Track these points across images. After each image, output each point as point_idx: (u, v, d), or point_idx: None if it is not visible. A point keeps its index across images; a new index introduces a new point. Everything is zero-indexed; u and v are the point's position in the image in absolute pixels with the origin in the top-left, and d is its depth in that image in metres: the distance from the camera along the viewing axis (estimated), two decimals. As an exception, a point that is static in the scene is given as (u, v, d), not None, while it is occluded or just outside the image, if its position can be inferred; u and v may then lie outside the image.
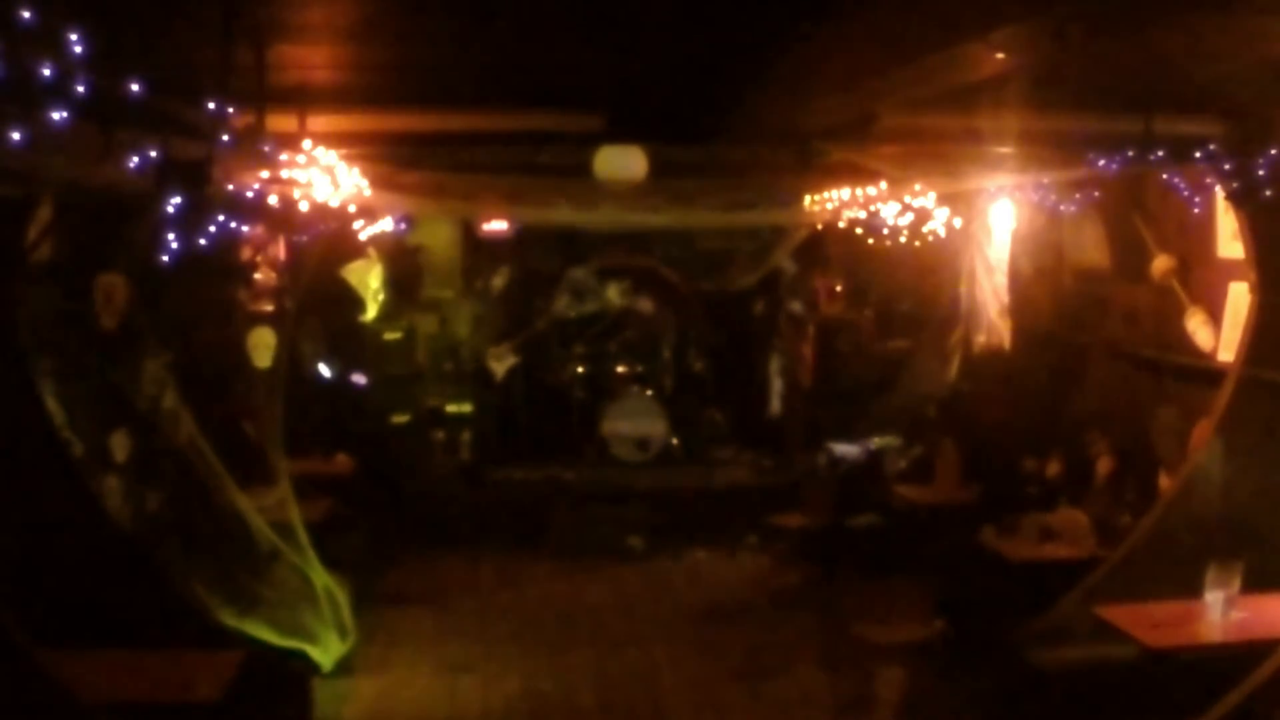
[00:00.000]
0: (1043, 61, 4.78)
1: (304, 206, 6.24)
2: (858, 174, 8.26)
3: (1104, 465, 7.64)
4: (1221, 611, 5.49)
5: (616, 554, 10.16)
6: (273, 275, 9.05)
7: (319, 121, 6.31)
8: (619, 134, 7.65)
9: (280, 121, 5.74)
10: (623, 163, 8.15)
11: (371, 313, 11.32)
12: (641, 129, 7.57)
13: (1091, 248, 8.90)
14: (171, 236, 4.52)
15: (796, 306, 11.82)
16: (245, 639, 6.02)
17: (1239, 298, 7.00)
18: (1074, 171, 7.00)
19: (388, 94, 6.38)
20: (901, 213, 8.62)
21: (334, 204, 6.57)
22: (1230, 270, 7.14)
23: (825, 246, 11.99)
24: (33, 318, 5.82)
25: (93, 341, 6.37)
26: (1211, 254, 7.39)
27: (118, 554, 5.82)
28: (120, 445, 6.42)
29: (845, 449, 10.47)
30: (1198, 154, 6.09)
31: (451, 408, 11.76)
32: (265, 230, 7.74)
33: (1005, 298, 10.24)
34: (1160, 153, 6.20)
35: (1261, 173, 5.81)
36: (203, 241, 4.75)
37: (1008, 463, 8.42)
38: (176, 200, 4.37)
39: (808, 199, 8.92)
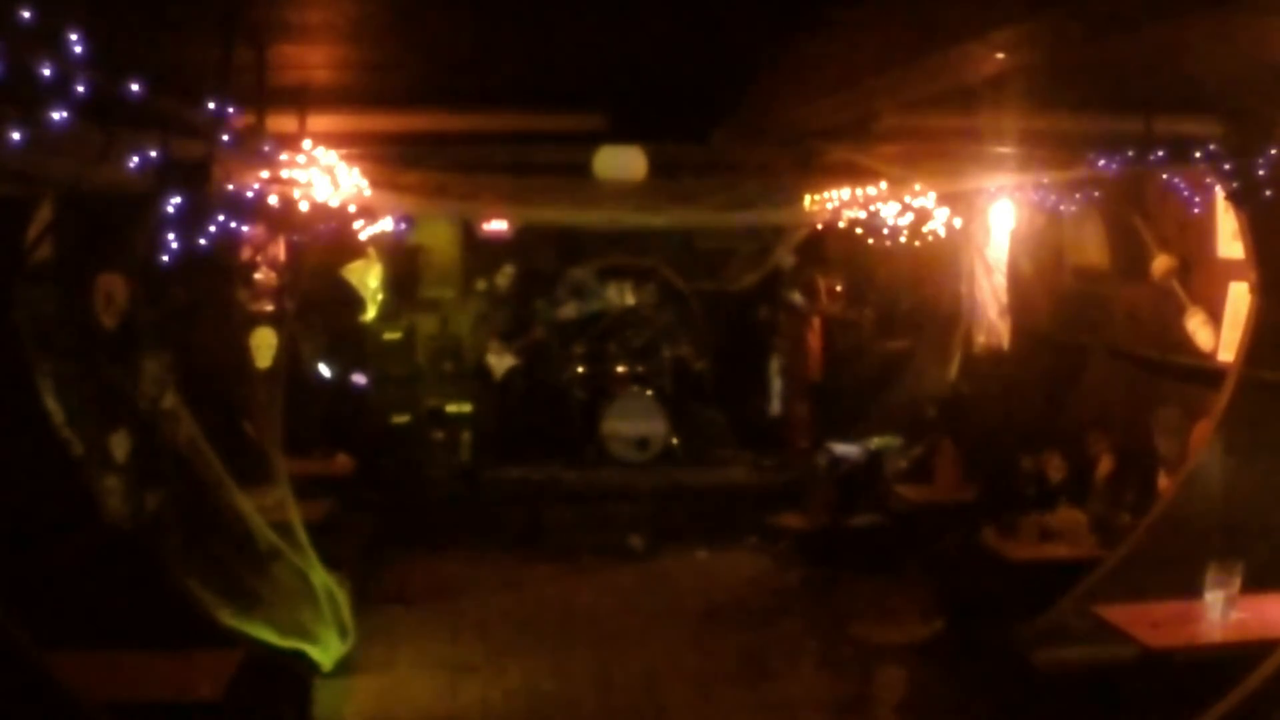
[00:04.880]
0: (1043, 61, 4.78)
1: (304, 206, 6.25)
2: (858, 174, 8.27)
3: (1104, 465, 7.64)
4: (1221, 611, 5.48)
5: (616, 554, 10.17)
6: (273, 275, 9.05)
7: (319, 121, 6.30)
8: (619, 134, 7.65)
9: (280, 121, 5.74)
10: (623, 163, 8.16)
11: (371, 313, 11.32)
12: (641, 129, 7.57)
13: (1091, 248, 8.90)
14: (171, 236, 4.52)
15: (797, 297, 11.82)
16: (245, 639, 6.01)
17: (1239, 298, 7.00)
18: (1074, 171, 7.01)
19: (388, 94, 6.37)
20: (901, 213, 8.64)
21: (334, 204, 6.58)
22: (1230, 270, 7.14)
23: (825, 246, 12.01)
24: (33, 318, 5.82)
25: (93, 341, 6.36)
26: (1211, 254, 7.39)
27: (118, 554, 5.81)
28: (120, 445, 6.41)
29: (845, 449, 10.47)
30: (1198, 154, 6.09)
31: (451, 408, 11.76)
32: (265, 230, 7.74)
33: (1005, 298, 10.25)
34: (1160, 153, 6.20)
35: (1261, 173, 5.81)
36: (203, 241, 4.75)
37: (1008, 463, 8.42)
38: (176, 200, 4.37)
39: (808, 199, 8.94)
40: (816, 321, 11.86)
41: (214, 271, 7.48)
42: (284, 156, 5.50)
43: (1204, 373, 7.21)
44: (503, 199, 8.20)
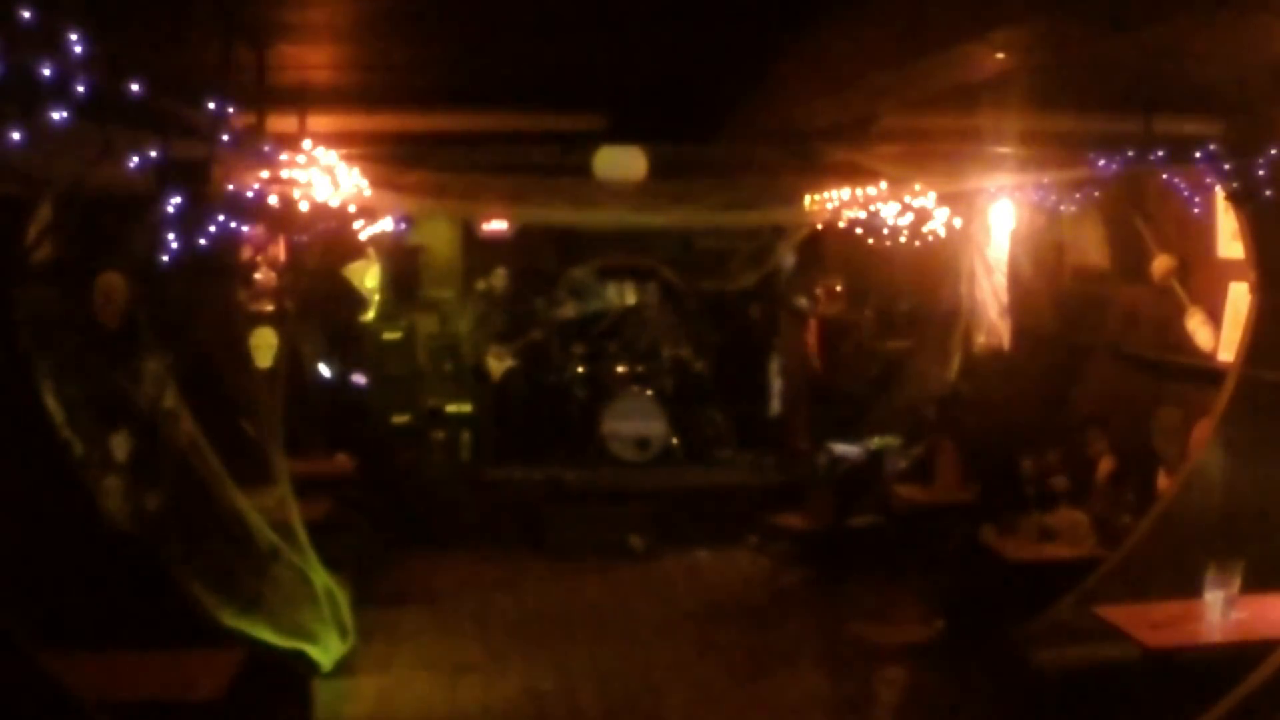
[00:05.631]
0: (1043, 61, 4.78)
1: (304, 206, 6.25)
2: (858, 174, 8.27)
3: (1104, 465, 7.64)
4: (1221, 611, 5.48)
5: (616, 554, 10.17)
6: (273, 275, 9.06)
7: (319, 121, 6.31)
8: (619, 134, 7.65)
9: (280, 121, 5.74)
10: (623, 163, 8.16)
11: (370, 313, 11.33)
12: (641, 129, 7.57)
13: (1091, 248, 8.90)
14: (171, 236, 4.53)
15: (803, 301, 11.80)
16: (245, 639, 6.01)
17: (1239, 298, 7.00)
18: (1074, 171, 7.00)
19: (388, 94, 6.38)
20: (901, 213, 8.63)
21: (334, 204, 6.57)
22: (1230, 270, 7.14)
23: (825, 246, 12.00)
24: (33, 318, 5.82)
25: (93, 341, 6.36)
26: (1211, 254, 7.39)
27: (118, 554, 5.81)
28: (120, 445, 6.41)
29: (845, 449, 10.47)
30: (1198, 154, 6.09)
31: (451, 408, 11.76)
32: (265, 230, 7.75)
33: (1005, 298, 10.24)
34: (1160, 153, 6.20)
35: (1261, 173, 5.81)
36: (203, 241, 4.76)
37: (1008, 463, 8.41)
38: (176, 200, 4.37)
39: (808, 199, 8.93)
40: (813, 323, 11.84)
41: (214, 271, 7.48)
42: (284, 156, 5.50)
43: (1204, 373, 7.21)
44: (503, 199, 8.19)
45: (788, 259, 11.73)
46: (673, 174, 8.42)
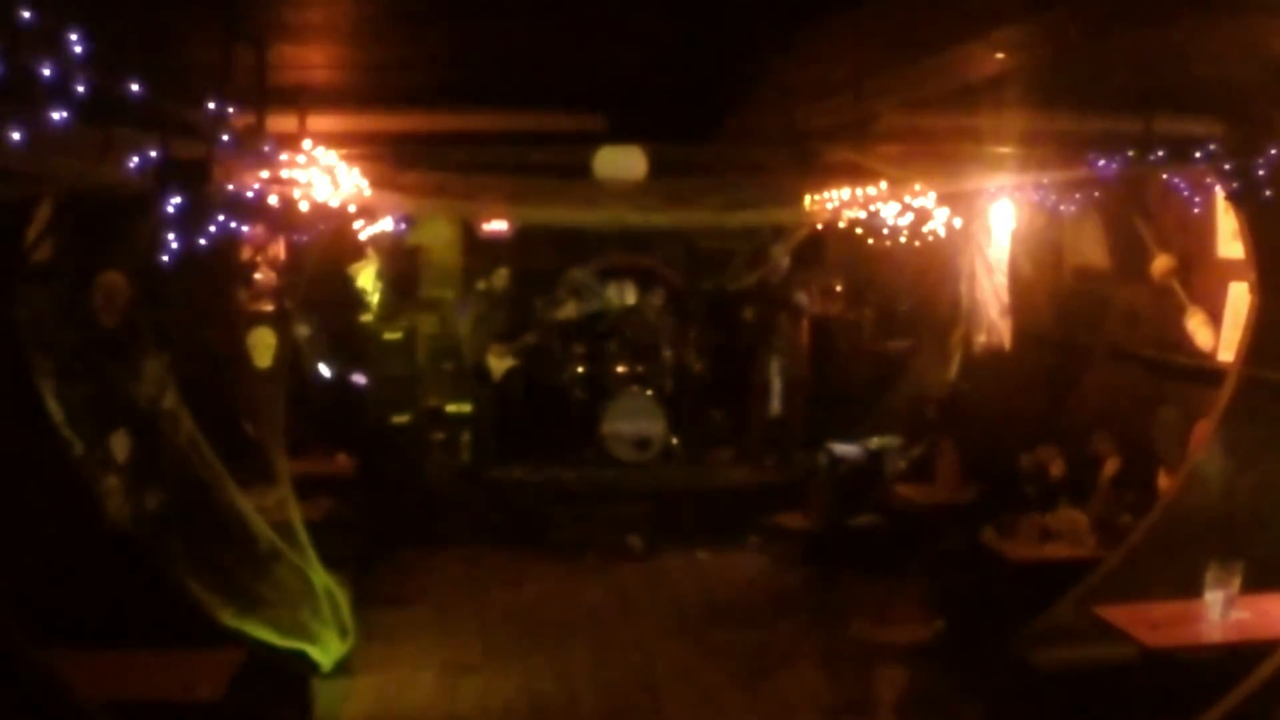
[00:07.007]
0: (1043, 61, 4.78)
1: (304, 206, 6.25)
2: (858, 174, 8.26)
3: (1109, 466, 7.63)
4: (1221, 611, 5.49)
5: (616, 554, 10.17)
6: (273, 275, 9.05)
7: (319, 121, 6.30)
8: (619, 134, 7.64)
9: (280, 121, 5.74)
10: (623, 163, 8.14)
11: (370, 313, 11.33)
12: (641, 129, 7.56)
13: (1091, 248, 8.90)
14: (171, 236, 4.52)
15: (803, 298, 11.80)
16: (245, 639, 6.02)
17: (1239, 298, 7.00)
18: (1074, 171, 7.00)
19: (388, 94, 6.37)
20: (901, 213, 8.62)
21: (334, 204, 6.57)
22: (1230, 270, 7.14)
23: (825, 246, 12.00)
24: (33, 318, 5.82)
25: (93, 341, 6.36)
26: (1211, 254, 7.39)
27: (118, 554, 5.82)
28: (120, 445, 6.41)
29: (845, 449, 10.47)
30: (1198, 154, 6.09)
31: (451, 408, 11.76)
32: (265, 230, 7.74)
33: (1005, 298, 10.24)
34: (1160, 153, 6.21)
35: (1261, 173, 5.81)
36: (203, 241, 4.75)
37: (1008, 463, 8.42)
38: (176, 200, 4.37)
39: (808, 199, 8.92)
40: (804, 323, 11.83)
41: (214, 271, 7.48)
42: (284, 156, 5.50)
43: (1204, 373, 7.21)
44: (503, 199, 8.20)
45: (783, 259, 11.73)
46: (673, 174, 8.41)
